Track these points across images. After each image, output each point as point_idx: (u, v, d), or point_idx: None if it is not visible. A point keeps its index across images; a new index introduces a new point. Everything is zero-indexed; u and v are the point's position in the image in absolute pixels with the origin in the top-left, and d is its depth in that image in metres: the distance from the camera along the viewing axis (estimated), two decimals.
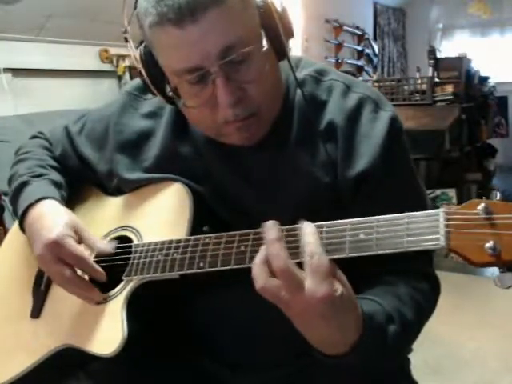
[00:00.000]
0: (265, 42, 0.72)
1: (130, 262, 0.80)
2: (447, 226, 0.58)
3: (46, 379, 0.85)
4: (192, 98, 0.74)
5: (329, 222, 0.65)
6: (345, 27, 4.95)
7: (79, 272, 0.81)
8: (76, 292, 0.80)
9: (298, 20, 4.13)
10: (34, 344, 0.85)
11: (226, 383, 0.87)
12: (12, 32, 2.48)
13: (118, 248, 0.85)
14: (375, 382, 0.82)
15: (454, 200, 3.31)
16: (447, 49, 6.03)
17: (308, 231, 0.61)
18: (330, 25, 4.77)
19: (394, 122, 0.80)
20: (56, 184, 0.93)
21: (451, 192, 3.34)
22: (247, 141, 0.78)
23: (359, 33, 5.34)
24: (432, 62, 3.61)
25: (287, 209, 0.78)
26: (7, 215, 1.86)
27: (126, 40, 0.76)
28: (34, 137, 1.06)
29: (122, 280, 0.80)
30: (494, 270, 0.57)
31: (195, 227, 0.78)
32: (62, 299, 0.85)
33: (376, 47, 5.61)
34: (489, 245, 0.55)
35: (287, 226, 0.64)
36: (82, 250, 0.81)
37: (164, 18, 0.67)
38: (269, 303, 0.61)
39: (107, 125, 0.92)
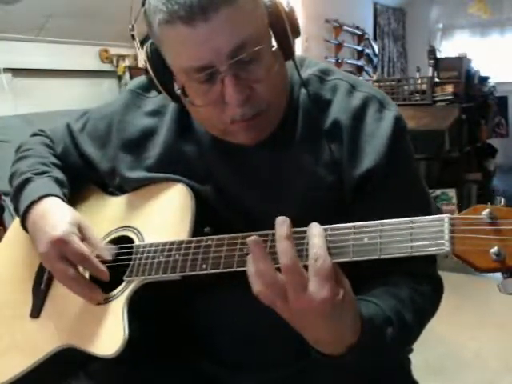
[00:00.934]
0: (274, 42, 0.73)
1: (132, 262, 0.79)
2: (452, 231, 0.58)
3: (46, 379, 0.85)
4: (200, 96, 0.73)
5: (333, 226, 0.64)
6: (345, 27, 4.95)
7: (81, 270, 0.81)
8: (78, 291, 0.80)
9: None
10: (33, 344, 0.84)
11: None
12: (12, 32, 2.48)
13: (119, 248, 0.85)
14: (375, 382, 0.82)
15: (454, 200, 3.31)
16: (447, 49, 6.03)
17: (315, 233, 0.62)
18: (330, 25, 4.76)
19: (398, 122, 0.80)
20: (58, 182, 0.92)
21: (451, 192, 3.33)
22: (253, 140, 0.78)
23: (359, 33, 5.33)
24: (432, 62, 3.60)
25: (290, 208, 0.78)
26: (7, 215, 1.86)
27: (133, 37, 0.76)
28: (34, 134, 1.05)
29: (123, 281, 0.79)
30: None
31: (197, 228, 0.78)
32: (62, 299, 0.85)
33: (376, 47, 5.61)
34: (493, 250, 0.55)
35: (294, 229, 0.64)
36: (86, 248, 0.80)
37: (175, 15, 0.67)
38: None
39: (110, 122, 0.92)
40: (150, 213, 0.85)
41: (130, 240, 0.84)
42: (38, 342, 0.84)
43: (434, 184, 3.28)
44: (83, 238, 0.82)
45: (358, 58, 5.39)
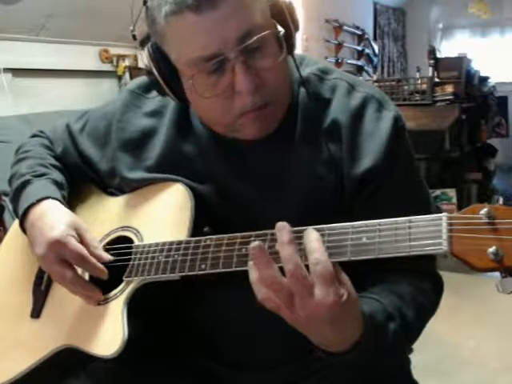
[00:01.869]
0: (280, 27, 0.74)
1: (131, 262, 0.80)
2: (450, 230, 0.58)
3: (47, 378, 0.85)
4: (208, 89, 0.74)
5: (331, 225, 0.64)
6: (345, 27, 4.94)
7: (80, 271, 0.81)
8: (77, 292, 0.80)
9: None
10: (33, 344, 0.85)
11: (226, 383, 0.87)
12: (12, 32, 2.48)
13: (118, 249, 0.85)
14: (375, 382, 0.82)
15: (454, 200, 3.31)
16: (447, 49, 6.01)
17: (312, 238, 0.61)
18: (329, 25, 4.75)
19: (397, 122, 0.81)
20: (57, 184, 0.92)
21: (451, 192, 3.34)
22: (260, 132, 0.78)
23: (359, 33, 5.33)
24: (432, 61, 3.61)
25: (289, 207, 0.78)
26: (7, 215, 1.86)
27: (134, 37, 0.77)
28: (34, 135, 1.05)
29: (122, 281, 0.80)
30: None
31: (196, 228, 0.78)
32: (62, 299, 0.85)
33: (376, 47, 5.60)
34: (491, 250, 0.55)
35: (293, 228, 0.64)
36: (83, 248, 0.80)
37: (182, 5, 0.68)
38: None
39: (110, 122, 0.92)
40: (150, 213, 0.85)
41: (130, 240, 0.84)
42: (39, 342, 0.84)
43: (434, 184, 3.28)
44: (81, 240, 0.82)
45: (358, 58, 5.38)
